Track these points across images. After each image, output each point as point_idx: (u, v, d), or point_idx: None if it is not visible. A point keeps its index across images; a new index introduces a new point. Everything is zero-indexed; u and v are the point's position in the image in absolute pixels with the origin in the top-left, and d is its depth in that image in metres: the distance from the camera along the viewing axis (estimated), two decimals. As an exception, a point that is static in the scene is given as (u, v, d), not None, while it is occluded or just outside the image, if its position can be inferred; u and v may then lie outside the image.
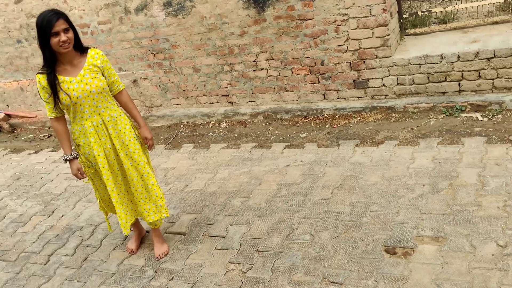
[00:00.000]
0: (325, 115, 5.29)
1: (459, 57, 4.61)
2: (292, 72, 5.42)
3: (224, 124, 5.85)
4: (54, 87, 3.07)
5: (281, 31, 5.23)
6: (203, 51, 5.76)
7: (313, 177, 4.24)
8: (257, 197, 4.15)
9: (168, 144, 5.75)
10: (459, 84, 4.71)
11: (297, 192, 4.07)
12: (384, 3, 4.68)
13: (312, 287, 3.00)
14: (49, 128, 7.28)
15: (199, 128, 5.98)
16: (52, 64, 3.08)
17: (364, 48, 4.97)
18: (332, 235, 3.42)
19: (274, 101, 5.69)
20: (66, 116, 3.31)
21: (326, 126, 5.13)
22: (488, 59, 4.51)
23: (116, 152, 3.34)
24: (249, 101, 5.85)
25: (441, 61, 4.68)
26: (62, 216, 4.62)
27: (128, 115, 3.47)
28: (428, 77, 4.81)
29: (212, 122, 5.95)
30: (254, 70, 5.60)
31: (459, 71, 4.66)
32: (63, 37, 2.95)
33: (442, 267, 2.90)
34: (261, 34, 5.35)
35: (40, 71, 3.11)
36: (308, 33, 5.12)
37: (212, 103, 6.08)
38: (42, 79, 3.08)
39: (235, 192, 4.30)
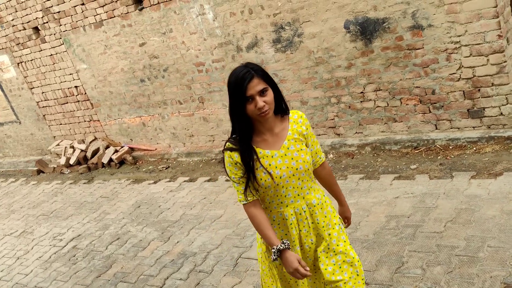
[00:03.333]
0: (437, 145, 5.10)
1: None
2: (401, 102, 5.33)
3: (331, 155, 5.86)
4: (251, 164, 2.31)
5: (389, 62, 5.19)
6: (310, 84, 5.88)
7: (424, 209, 4.09)
8: (365, 228, 4.08)
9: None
10: None
11: (407, 224, 3.95)
12: (500, 28, 4.48)
13: (423, 323, 2.88)
14: (167, 160, 7.78)
15: (306, 159, 6.04)
16: (248, 133, 2.33)
17: (479, 76, 4.76)
18: (446, 270, 3.27)
19: (382, 132, 5.62)
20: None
21: (438, 157, 4.95)
22: None
23: (317, 245, 2.47)
24: (356, 132, 5.82)
25: None
26: (177, 242, 4.89)
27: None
28: (552, 104, 4.48)
29: (320, 153, 5.99)
30: (361, 102, 5.60)
31: None
32: (259, 102, 2.20)
33: None
34: (368, 65, 5.35)
35: (229, 143, 2.35)
36: (418, 62, 5.03)
37: (319, 135, 6.13)
38: (234, 154, 2.32)
39: (342, 223, 4.27)
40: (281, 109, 2.38)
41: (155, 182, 6.96)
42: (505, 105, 4.74)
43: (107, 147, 8.62)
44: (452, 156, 4.87)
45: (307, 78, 5.87)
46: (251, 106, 2.22)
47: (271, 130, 2.35)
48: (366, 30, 5.17)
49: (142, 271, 4.54)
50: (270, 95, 2.25)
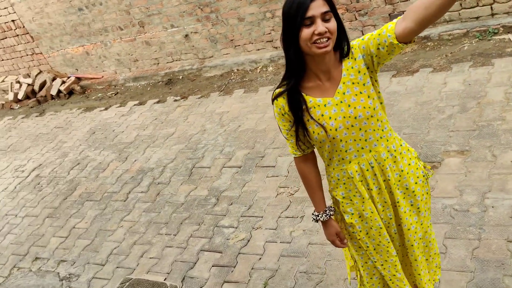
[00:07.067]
0: (364, 50, 5.57)
1: (490, -20, 4.73)
2: (330, 12, 5.69)
3: (271, 68, 6.26)
4: (299, 114, 1.88)
5: (317, -26, 5.49)
6: (245, 1, 6.13)
7: (352, 108, 4.61)
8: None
9: (221, 91, 6.27)
10: (491, 7, 4.84)
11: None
12: None
13: (349, 201, 3.47)
14: (115, 86, 7.98)
15: (248, 74, 6.44)
16: (298, 75, 1.85)
17: (397, -18, 5.17)
18: (368, 157, 3.84)
19: (315, 41, 6.01)
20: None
21: (365, 61, 5.43)
22: (519, -21, 4.62)
23: (393, 204, 2.04)
24: (292, 44, 6.19)
25: (473, -13, 4.83)
26: (135, 161, 5.30)
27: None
28: (461, 4, 4.96)
29: (260, 67, 6.38)
30: (294, 14, 5.91)
31: (491, -6, 4.79)
32: (320, 26, 1.68)
33: (465, 176, 3.27)
34: (298, -22, 5.62)
35: (278, 88, 1.91)
36: (342, -28, 5.36)
37: (258, 49, 6.48)
38: (281, 102, 1.90)
39: (282, 128, 4.76)
40: (341, 47, 1.82)
41: (106, 109, 7.22)
42: (421, 7, 5.19)
43: (54, 79, 8.69)
44: (377, 59, 5.36)
45: (242, -5, 6.12)
46: (308, 30, 1.68)
47: (327, 72, 1.83)
48: None
49: (105, 189, 4.96)
50: (333, 24, 1.71)
